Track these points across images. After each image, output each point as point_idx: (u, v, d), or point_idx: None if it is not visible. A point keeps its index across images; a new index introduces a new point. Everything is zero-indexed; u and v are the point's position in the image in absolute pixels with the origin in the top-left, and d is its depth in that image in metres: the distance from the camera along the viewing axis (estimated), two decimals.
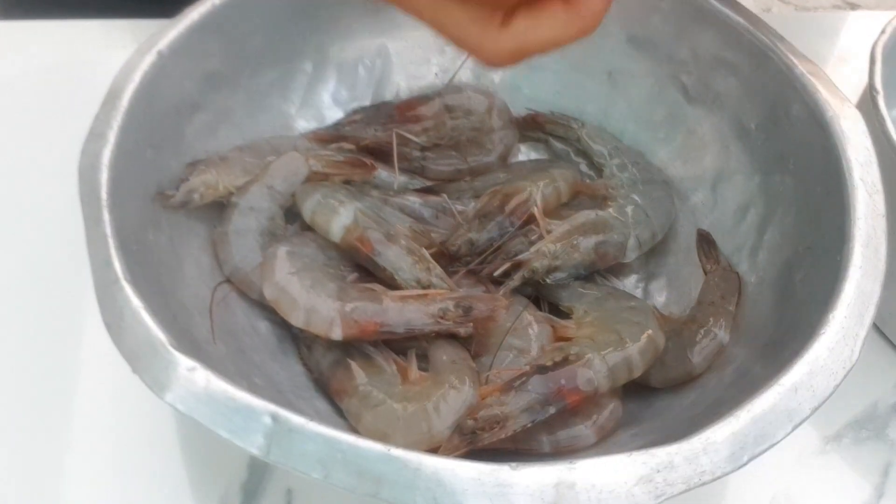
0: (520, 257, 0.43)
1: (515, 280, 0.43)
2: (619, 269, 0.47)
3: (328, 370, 0.40)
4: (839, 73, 0.59)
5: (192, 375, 0.31)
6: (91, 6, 0.57)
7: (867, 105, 0.45)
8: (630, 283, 0.47)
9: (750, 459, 0.31)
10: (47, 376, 0.44)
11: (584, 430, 0.38)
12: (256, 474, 0.42)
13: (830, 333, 0.33)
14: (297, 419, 0.30)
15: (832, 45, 0.61)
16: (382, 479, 0.29)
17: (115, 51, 0.43)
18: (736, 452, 0.31)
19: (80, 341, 0.45)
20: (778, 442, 0.31)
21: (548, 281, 0.44)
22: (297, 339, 0.43)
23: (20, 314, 0.46)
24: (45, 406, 0.43)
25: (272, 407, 0.30)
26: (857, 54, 0.60)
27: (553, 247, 0.43)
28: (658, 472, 0.30)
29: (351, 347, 0.40)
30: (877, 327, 0.48)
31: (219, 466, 0.42)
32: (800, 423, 0.32)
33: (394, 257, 0.41)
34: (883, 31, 0.48)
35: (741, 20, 0.44)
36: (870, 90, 0.45)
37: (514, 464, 0.29)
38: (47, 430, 0.42)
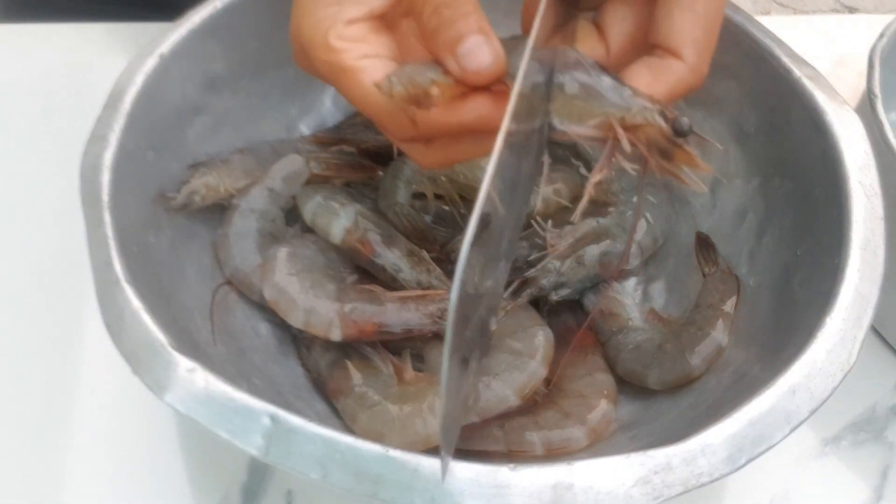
0: (527, 274, 0.43)
1: (524, 297, 0.43)
2: (619, 273, 0.47)
3: (325, 371, 0.41)
4: (837, 77, 0.59)
5: (192, 376, 0.31)
6: (92, 10, 0.57)
7: (865, 109, 0.45)
8: (629, 285, 0.47)
9: (748, 461, 0.31)
10: (48, 377, 0.44)
11: (575, 431, 0.39)
12: (257, 476, 0.42)
13: (828, 336, 0.34)
14: (295, 420, 0.30)
15: (830, 49, 0.61)
16: (381, 479, 0.30)
17: (116, 55, 0.44)
18: (734, 454, 0.31)
19: (80, 342, 0.45)
20: (776, 444, 0.31)
21: (554, 298, 0.44)
22: (297, 340, 0.43)
23: (21, 314, 0.46)
24: (46, 407, 0.43)
25: (271, 408, 0.30)
26: (855, 58, 0.61)
27: (559, 263, 0.43)
28: (656, 473, 0.30)
29: (348, 348, 0.41)
30: (875, 330, 0.48)
31: (219, 468, 0.42)
32: (798, 426, 0.32)
33: (394, 258, 0.41)
34: (881, 35, 0.48)
35: (740, 23, 0.45)
36: (868, 94, 0.45)
37: (512, 465, 0.30)
38: (48, 430, 0.43)
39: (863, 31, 0.58)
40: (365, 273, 0.43)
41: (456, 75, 0.32)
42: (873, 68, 0.46)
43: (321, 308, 0.39)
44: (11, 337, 0.45)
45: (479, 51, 0.31)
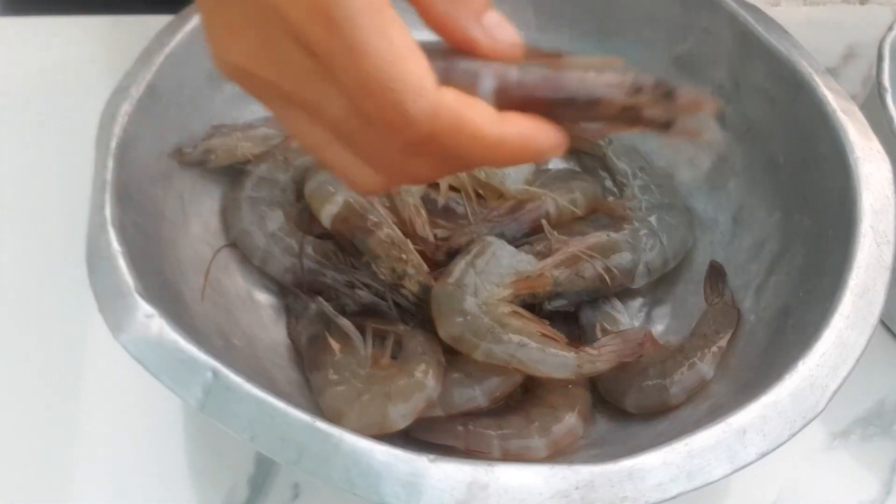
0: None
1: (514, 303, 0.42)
2: (624, 292, 0.45)
3: (306, 343, 0.41)
4: (847, 69, 0.57)
5: (148, 322, 0.32)
6: (96, 3, 0.56)
7: (875, 102, 0.43)
8: (634, 305, 0.46)
9: (679, 493, 0.30)
10: (55, 372, 0.44)
11: (536, 441, 0.38)
12: (263, 469, 0.41)
13: (796, 380, 0.32)
14: (235, 378, 0.31)
15: (841, 41, 0.58)
16: (304, 448, 0.30)
17: (120, 48, 0.44)
18: (665, 483, 0.30)
19: (86, 337, 0.45)
20: (714, 481, 0.30)
21: (548, 307, 0.43)
22: (288, 311, 0.44)
23: (27, 309, 0.46)
24: (54, 401, 0.43)
25: (214, 363, 0.31)
26: (866, 50, 0.57)
27: (557, 272, 0.42)
28: (577, 489, 0.29)
29: (332, 325, 0.41)
30: (884, 324, 0.47)
31: (226, 461, 0.41)
32: (742, 467, 0.30)
33: (373, 246, 0.42)
34: (891, 28, 0.46)
35: (784, 47, 0.43)
36: (878, 88, 0.43)
37: (432, 456, 0.29)
38: (56, 424, 0.42)
39: (874, 23, 0.55)
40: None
41: (486, 49, 0.28)
42: (883, 61, 0.44)
43: None
44: (19, 332, 0.45)
45: (506, 25, 0.28)
